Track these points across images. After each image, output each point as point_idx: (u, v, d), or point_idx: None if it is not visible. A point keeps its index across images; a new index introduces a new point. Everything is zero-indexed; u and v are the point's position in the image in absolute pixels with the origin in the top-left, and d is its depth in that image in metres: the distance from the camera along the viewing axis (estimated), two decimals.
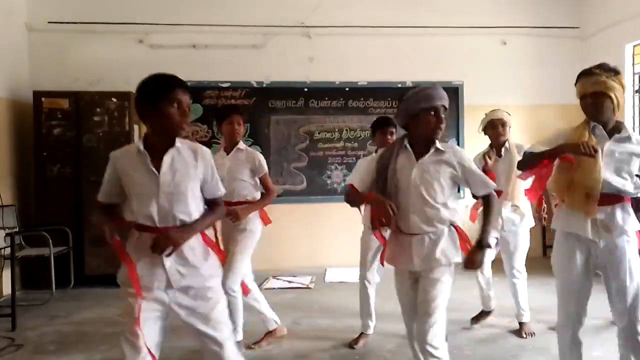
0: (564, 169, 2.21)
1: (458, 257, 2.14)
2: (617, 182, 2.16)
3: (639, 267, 2.20)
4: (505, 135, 3.34)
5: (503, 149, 3.35)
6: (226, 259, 3.09)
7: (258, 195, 3.24)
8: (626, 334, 2.19)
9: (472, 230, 2.40)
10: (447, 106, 2.13)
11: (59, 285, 4.52)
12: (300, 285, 4.94)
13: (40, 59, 5.28)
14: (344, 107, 5.72)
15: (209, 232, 2.73)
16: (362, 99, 5.72)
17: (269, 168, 3.31)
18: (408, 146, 2.15)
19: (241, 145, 3.22)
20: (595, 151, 2.04)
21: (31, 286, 4.74)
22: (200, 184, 1.96)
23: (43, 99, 4.87)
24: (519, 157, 3.15)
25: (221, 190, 2.05)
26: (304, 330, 3.67)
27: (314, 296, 4.55)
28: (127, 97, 4.91)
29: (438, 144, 2.12)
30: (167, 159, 1.86)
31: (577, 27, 5.87)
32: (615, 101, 2.16)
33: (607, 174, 2.14)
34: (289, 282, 5.05)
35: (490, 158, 3.37)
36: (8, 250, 4.16)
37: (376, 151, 3.08)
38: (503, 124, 3.31)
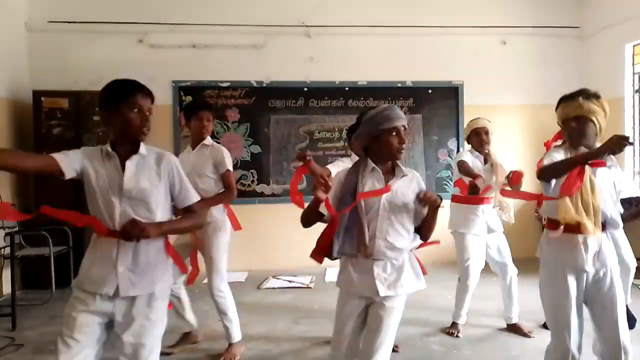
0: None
1: (421, 284, 2.12)
2: (612, 208, 2.18)
3: (622, 300, 2.18)
4: (489, 143, 3.46)
5: (487, 156, 3.49)
6: (206, 264, 3.10)
7: None
8: None
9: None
10: (407, 126, 2.09)
11: (59, 285, 4.50)
12: (300, 285, 4.93)
13: (40, 58, 5.27)
14: (344, 107, 5.72)
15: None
16: (362, 99, 5.72)
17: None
18: (377, 168, 2.08)
19: (207, 141, 3.17)
20: (628, 140, 1.98)
21: (31, 286, 4.74)
22: (171, 192, 1.94)
23: (43, 98, 4.87)
24: (500, 162, 3.40)
25: (193, 198, 2.00)
26: (304, 330, 3.67)
27: (314, 296, 4.54)
28: None
29: (403, 168, 2.10)
30: (129, 164, 1.85)
31: (577, 27, 5.87)
32: (597, 125, 2.14)
33: (603, 199, 2.13)
34: (289, 282, 5.04)
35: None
36: (8, 250, 4.16)
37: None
38: (487, 132, 3.44)
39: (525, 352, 3.22)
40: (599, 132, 2.16)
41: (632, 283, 3.45)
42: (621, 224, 2.25)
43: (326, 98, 5.68)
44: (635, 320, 3.46)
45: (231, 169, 3.15)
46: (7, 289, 4.39)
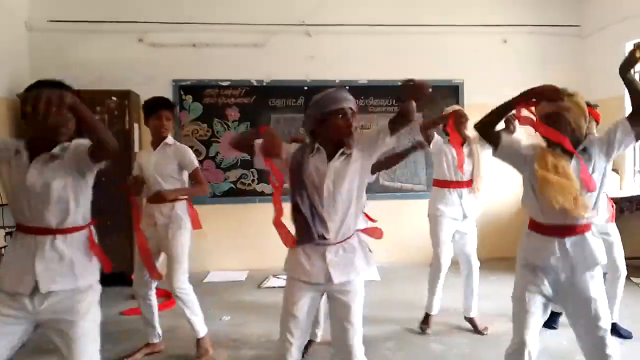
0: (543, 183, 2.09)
1: (372, 267, 2.12)
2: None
3: (605, 308, 2.09)
4: (467, 130, 3.46)
5: (465, 143, 3.52)
6: (168, 262, 3.08)
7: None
8: None
9: None
10: (354, 108, 2.07)
11: None
12: None
13: (40, 58, 5.27)
14: None
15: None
16: (362, 98, 5.71)
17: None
18: (322, 148, 2.07)
19: (169, 140, 3.13)
20: (560, 93, 2.02)
21: None
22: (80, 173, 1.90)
23: None
24: (480, 149, 3.41)
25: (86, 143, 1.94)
26: None
27: None
28: (127, 96, 4.91)
29: (347, 149, 2.06)
30: (37, 162, 1.85)
31: (577, 26, 5.86)
32: (571, 120, 2.10)
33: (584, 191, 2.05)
34: None
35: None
36: None
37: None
38: (463, 115, 3.48)
39: None
40: (576, 129, 2.11)
41: (634, 283, 3.44)
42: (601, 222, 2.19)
43: None
44: (624, 332, 3.41)
45: (198, 165, 3.15)
46: None
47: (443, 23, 5.62)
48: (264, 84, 5.61)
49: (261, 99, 5.61)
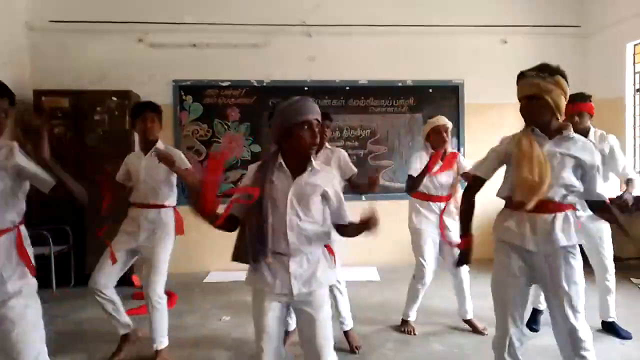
0: (515, 168, 2.14)
1: (333, 276, 2.13)
2: (572, 180, 2.09)
3: (582, 292, 2.09)
4: (448, 141, 3.47)
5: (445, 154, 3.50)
6: (150, 267, 3.01)
7: (174, 198, 3.18)
8: None
9: None
10: (320, 120, 2.01)
11: (59, 285, 4.52)
12: None
13: (40, 58, 5.28)
14: (344, 106, 5.71)
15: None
16: (362, 98, 5.72)
17: None
18: (283, 163, 2.00)
19: (160, 144, 3.10)
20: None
21: None
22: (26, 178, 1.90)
23: (43, 98, 4.88)
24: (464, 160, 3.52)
25: (48, 182, 2.00)
26: None
27: None
28: (128, 96, 4.92)
29: (314, 164, 2.02)
30: None
31: (578, 26, 5.86)
32: (551, 103, 2.06)
33: (555, 173, 2.06)
34: None
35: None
36: None
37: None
38: (446, 130, 3.45)
39: (525, 351, 3.20)
40: (556, 110, 2.09)
41: (634, 283, 3.44)
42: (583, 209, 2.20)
43: (327, 97, 5.68)
44: (624, 333, 3.40)
45: (189, 166, 3.11)
46: None
47: (443, 23, 5.62)
48: (265, 84, 5.61)
49: (262, 100, 5.61)
